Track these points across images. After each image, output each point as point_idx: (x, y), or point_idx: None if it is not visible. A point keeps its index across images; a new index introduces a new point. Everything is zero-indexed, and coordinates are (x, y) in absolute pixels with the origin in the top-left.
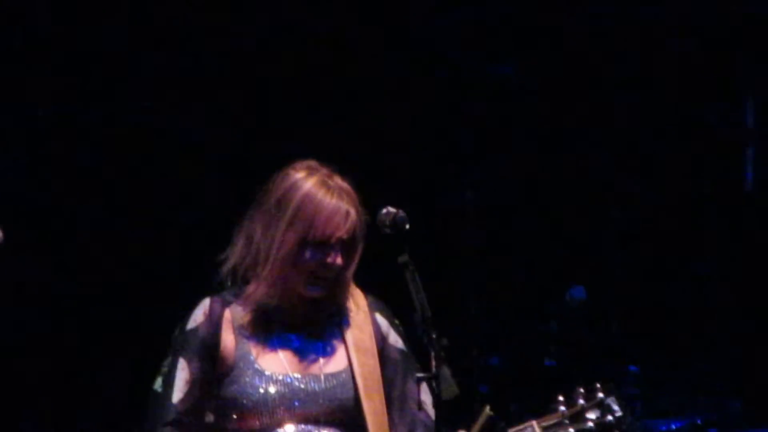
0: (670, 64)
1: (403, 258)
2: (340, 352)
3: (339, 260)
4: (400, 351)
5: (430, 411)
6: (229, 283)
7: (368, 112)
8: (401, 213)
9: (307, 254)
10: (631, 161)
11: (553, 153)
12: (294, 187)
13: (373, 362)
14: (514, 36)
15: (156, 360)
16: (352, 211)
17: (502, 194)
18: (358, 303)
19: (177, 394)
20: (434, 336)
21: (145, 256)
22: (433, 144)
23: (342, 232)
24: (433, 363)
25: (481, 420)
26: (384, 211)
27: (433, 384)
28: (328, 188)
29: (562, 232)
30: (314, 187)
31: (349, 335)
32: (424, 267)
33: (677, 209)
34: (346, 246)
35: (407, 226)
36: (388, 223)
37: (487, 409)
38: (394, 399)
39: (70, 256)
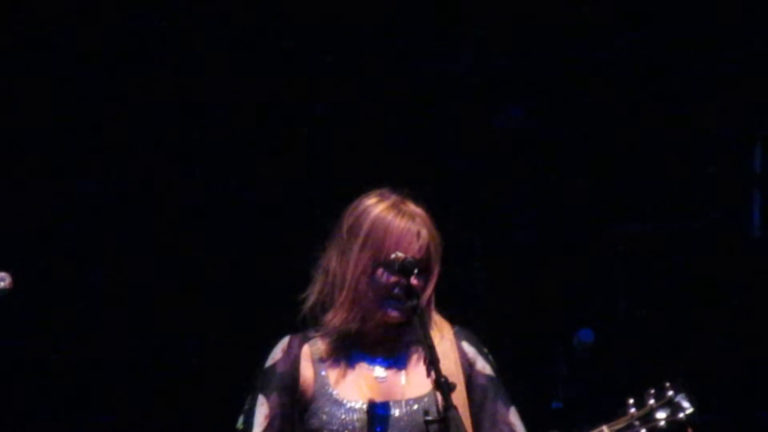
0: (677, 108)
1: (412, 303)
2: (423, 377)
3: (414, 280)
4: (488, 377)
5: (519, 431)
6: (310, 319)
7: (371, 155)
8: (409, 258)
9: (381, 275)
10: (637, 204)
11: (560, 195)
12: (365, 212)
13: (458, 388)
14: (522, 79)
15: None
16: (424, 232)
17: (510, 237)
18: (443, 332)
19: (257, 429)
20: (443, 380)
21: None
22: (438, 186)
23: (414, 252)
24: (442, 406)
25: None
26: (393, 256)
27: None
28: (399, 211)
29: (569, 275)
30: (384, 211)
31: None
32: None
33: (683, 253)
34: (421, 268)
35: (416, 271)
36: (396, 267)
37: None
38: (483, 421)
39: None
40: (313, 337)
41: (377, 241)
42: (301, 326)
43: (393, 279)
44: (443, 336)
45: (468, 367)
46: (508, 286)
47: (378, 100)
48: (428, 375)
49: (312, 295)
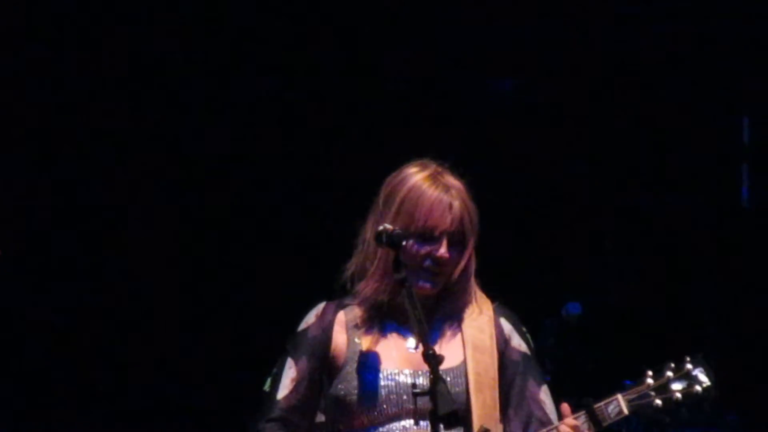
0: (668, 81)
1: (400, 275)
2: (456, 349)
3: (445, 253)
4: (523, 354)
5: (549, 410)
6: (350, 287)
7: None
8: (397, 230)
9: (412, 246)
10: (628, 177)
11: (549, 167)
12: (402, 181)
13: (490, 361)
14: (512, 51)
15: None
16: (456, 204)
17: (498, 208)
18: (482, 307)
19: (282, 392)
20: (431, 352)
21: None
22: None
23: (445, 225)
24: (430, 379)
25: None
26: (380, 227)
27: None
28: (434, 181)
29: (558, 247)
30: (420, 180)
31: (468, 335)
32: None
33: (673, 224)
34: (454, 240)
35: (404, 243)
36: (384, 239)
37: (483, 426)
38: (512, 396)
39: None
40: (349, 304)
41: (409, 210)
42: (339, 294)
43: (424, 250)
44: (482, 311)
45: (503, 342)
46: (498, 257)
47: (373, 72)
48: (416, 348)
49: (352, 265)
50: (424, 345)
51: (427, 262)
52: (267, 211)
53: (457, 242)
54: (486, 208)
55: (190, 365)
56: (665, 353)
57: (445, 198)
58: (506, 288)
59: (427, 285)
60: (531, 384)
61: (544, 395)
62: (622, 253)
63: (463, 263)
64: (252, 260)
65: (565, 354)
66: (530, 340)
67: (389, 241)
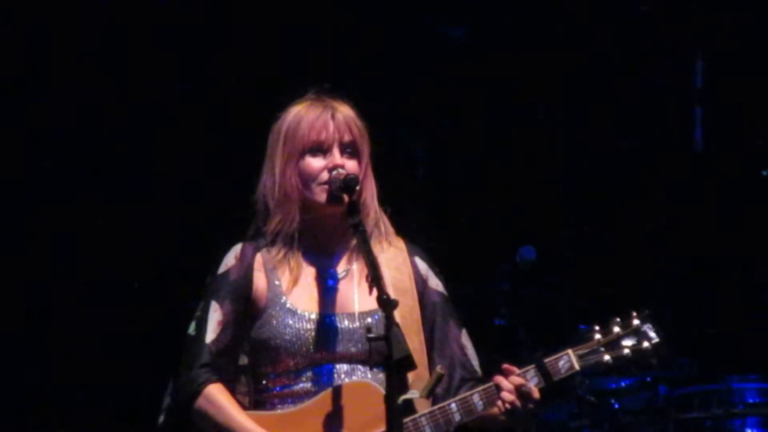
0: (621, 23)
1: (354, 220)
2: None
3: (339, 161)
4: (441, 294)
5: (471, 354)
6: (262, 228)
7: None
8: (351, 174)
9: (307, 163)
10: (581, 120)
11: (503, 112)
12: (283, 118)
13: (412, 302)
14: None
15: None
16: (339, 115)
17: (454, 155)
18: (393, 244)
19: (210, 335)
20: (385, 297)
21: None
22: (383, 108)
23: (332, 133)
24: (384, 324)
25: (432, 379)
26: (334, 172)
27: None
28: (312, 103)
29: (512, 192)
30: (298, 108)
31: (387, 275)
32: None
33: (627, 168)
34: (347, 150)
35: (357, 188)
36: (338, 184)
37: (439, 368)
38: (435, 340)
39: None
40: (265, 246)
41: (294, 134)
42: (254, 236)
43: (319, 164)
44: (391, 245)
45: (421, 283)
46: (451, 202)
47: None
48: (370, 292)
49: (258, 219)
50: (378, 289)
51: (325, 174)
52: None
53: (351, 153)
54: (441, 154)
55: None
56: (619, 298)
57: (326, 110)
58: (461, 233)
59: (324, 195)
60: (453, 328)
61: (466, 339)
62: (575, 196)
63: (362, 173)
64: None
65: (519, 298)
66: (443, 280)
67: (343, 185)
